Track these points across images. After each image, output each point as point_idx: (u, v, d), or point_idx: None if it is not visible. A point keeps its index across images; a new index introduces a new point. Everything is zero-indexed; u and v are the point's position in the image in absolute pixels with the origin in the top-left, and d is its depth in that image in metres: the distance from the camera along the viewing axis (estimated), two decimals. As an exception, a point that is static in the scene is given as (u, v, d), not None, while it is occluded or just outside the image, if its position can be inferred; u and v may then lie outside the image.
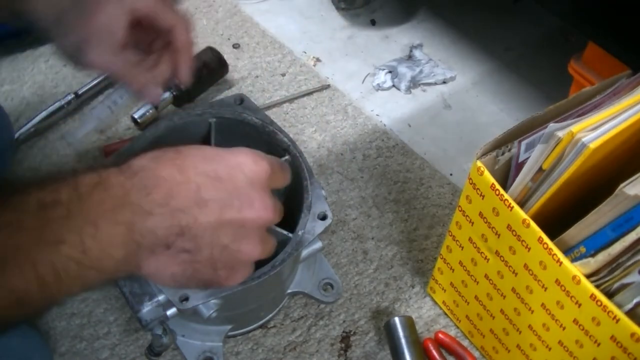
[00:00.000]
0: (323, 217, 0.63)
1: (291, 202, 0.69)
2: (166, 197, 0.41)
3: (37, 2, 0.54)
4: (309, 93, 0.99)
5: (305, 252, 0.67)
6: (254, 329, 0.73)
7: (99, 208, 0.39)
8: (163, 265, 0.43)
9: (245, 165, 0.46)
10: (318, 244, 0.67)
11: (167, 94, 0.91)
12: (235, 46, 1.05)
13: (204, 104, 0.71)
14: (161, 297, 0.59)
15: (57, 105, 0.89)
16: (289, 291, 0.73)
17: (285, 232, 0.63)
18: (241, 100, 0.71)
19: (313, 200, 0.64)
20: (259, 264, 0.61)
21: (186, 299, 0.58)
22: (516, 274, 0.59)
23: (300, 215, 0.64)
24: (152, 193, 0.41)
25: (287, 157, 0.68)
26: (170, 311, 0.60)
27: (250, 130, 0.70)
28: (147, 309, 0.59)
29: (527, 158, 0.56)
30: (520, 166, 0.57)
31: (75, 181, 0.40)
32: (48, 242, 0.38)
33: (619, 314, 0.50)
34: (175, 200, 0.42)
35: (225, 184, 0.44)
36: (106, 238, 0.39)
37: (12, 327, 0.40)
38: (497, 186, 0.56)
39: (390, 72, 1.04)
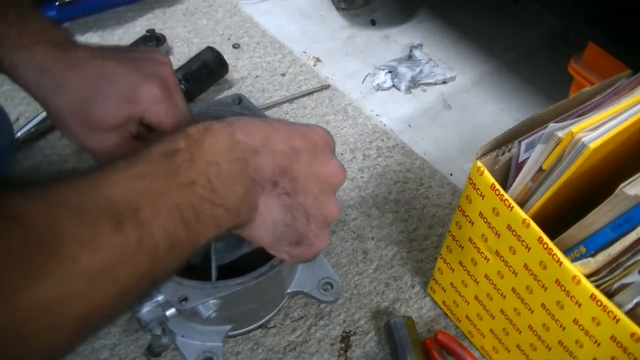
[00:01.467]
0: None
1: None
2: (265, 139, 0.45)
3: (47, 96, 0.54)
4: (309, 93, 0.99)
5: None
6: (254, 329, 0.73)
7: (215, 149, 0.42)
8: (270, 207, 0.46)
9: (318, 130, 0.50)
10: None
11: (167, 94, 0.91)
12: (235, 46, 1.05)
13: (202, 104, 0.71)
14: (160, 298, 0.59)
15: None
16: (288, 291, 0.73)
17: None
18: (239, 100, 0.71)
19: None
20: (258, 264, 0.61)
21: (185, 299, 0.58)
22: (516, 274, 0.59)
23: None
24: (253, 135, 0.44)
25: None
26: (170, 311, 0.60)
27: None
28: (146, 309, 0.59)
29: (527, 158, 0.56)
30: (520, 166, 0.57)
31: (186, 131, 0.42)
32: (183, 185, 0.40)
33: (619, 314, 0.50)
34: (274, 143, 0.45)
35: (309, 138, 0.48)
36: (227, 175, 0.43)
37: (165, 278, 0.42)
38: (497, 186, 0.56)
39: (390, 72, 1.04)
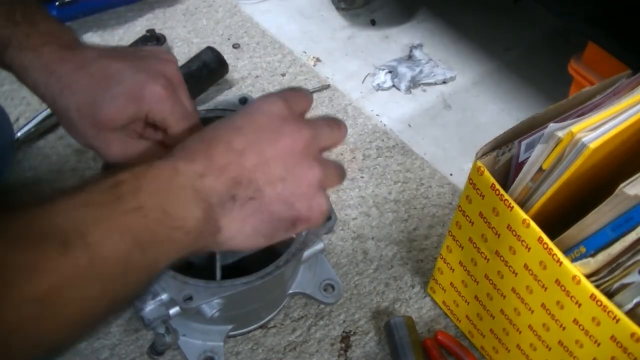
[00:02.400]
0: (327, 218, 0.64)
1: None
2: (207, 159, 0.45)
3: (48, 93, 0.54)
4: (309, 93, 0.99)
5: (307, 253, 0.67)
6: (254, 329, 0.73)
7: (160, 180, 0.43)
8: (240, 221, 0.45)
9: (260, 106, 0.49)
10: (319, 245, 0.67)
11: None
12: (235, 46, 1.05)
13: (209, 104, 0.71)
14: (164, 296, 0.59)
15: (56, 107, 0.88)
16: (290, 291, 0.73)
17: None
18: (245, 100, 0.71)
19: None
20: (263, 264, 0.61)
21: (190, 298, 0.58)
22: (516, 274, 0.59)
23: None
24: (194, 160, 0.44)
25: None
26: (173, 310, 0.60)
27: None
28: (150, 307, 0.59)
29: (527, 158, 0.56)
30: (520, 166, 0.57)
31: (130, 168, 0.43)
32: (129, 210, 0.40)
33: (619, 314, 0.50)
34: (216, 158, 0.45)
35: (249, 129, 0.47)
36: (180, 200, 0.43)
37: (123, 308, 0.43)
38: (497, 186, 0.56)
39: (390, 72, 1.04)
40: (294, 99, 0.51)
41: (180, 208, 0.42)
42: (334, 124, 0.52)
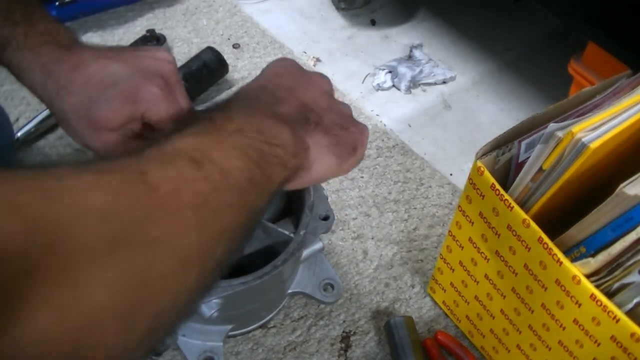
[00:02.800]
0: (325, 218, 0.64)
1: (293, 202, 0.69)
2: (272, 96, 0.50)
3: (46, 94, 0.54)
4: (309, 93, 0.99)
5: (306, 253, 0.67)
6: (254, 329, 0.73)
7: (249, 111, 0.47)
8: (319, 139, 0.50)
9: (277, 63, 0.56)
10: (319, 244, 0.67)
11: (167, 94, 0.91)
12: (235, 46, 1.05)
13: (206, 104, 0.71)
14: None
15: (56, 106, 0.89)
16: (289, 291, 0.73)
17: (287, 232, 0.63)
18: None
19: (315, 200, 0.64)
20: (261, 264, 0.61)
21: None
22: (516, 274, 0.59)
23: (302, 215, 0.64)
24: (261, 99, 0.50)
25: None
26: None
27: None
28: None
29: (527, 158, 0.56)
30: (520, 166, 0.57)
31: (215, 110, 0.47)
32: (233, 132, 0.43)
33: (619, 314, 0.50)
34: (276, 95, 0.50)
35: (284, 76, 0.54)
36: (269, 123, 0.46)
37: (259, 218, 0.45)
38: (497, 186, 0.56)
39: (390, 72, 1.04)
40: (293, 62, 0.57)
41: (271, 128, 0.46)
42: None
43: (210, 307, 0.61)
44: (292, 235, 0.63)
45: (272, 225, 0.64)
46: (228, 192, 0.40)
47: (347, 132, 0.53)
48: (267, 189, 0.44)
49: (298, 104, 0.51)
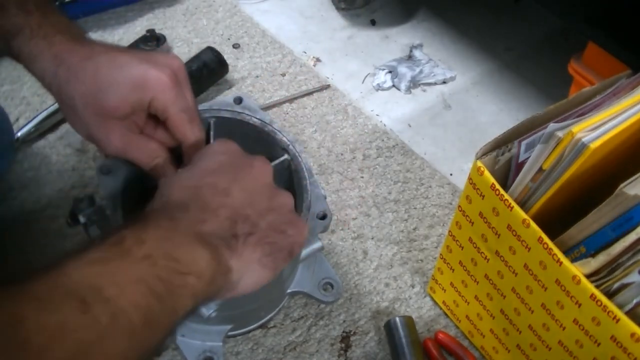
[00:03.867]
0: (322, 217, 0.63)
1: (295, 201, 0.69)
2: (200, 207, 0.46)
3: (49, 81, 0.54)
4: (309, 93, 0.99)
5: (305, 252, 0.67)
6: (254, 329, 0.73)
7: (163, 230, 0.43)
8: (247, 258, 0.47)
9: (217, 148, 0.52)
10: (318, 244, 0.67)
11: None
12: (235, 46, 1.05)
13: (203, 104, 0.71)
14: None
15: (57, 105, 0.88)
16: (288, 291, 0.73)
17: None
18: (240, 100, 0.71)
19: (312, 199, 0.64)
20: None
21: None
22: (516, 274, 0.59)
23: (299, 214, 0.64)
24: (188, 209, 0.45)
25: (286, 156, 0.68)
26: None
27: (249, 130, 0.70)
28: None
29: (527, 158, 0.56)
30: (520, 166, 0.57)
31: (127, 225, 0.43)
32: (138, 260, 0.40)
33: (619, 314, 0.50)
34: (207, 203, 0.46)
35: (224, 168, 0.50)
36: (186, 246, 0.43)
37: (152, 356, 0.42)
38: (497, 186, 0.56)
39: (390, 72, 1.04)
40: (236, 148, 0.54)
41: (187, 253, 0.42)
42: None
43: (208, 307, 0.61)
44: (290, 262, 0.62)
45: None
46: (115, 337, 0.37)
47: (284, 237, 0.50)
48: (167, 322, 0.41)
49: (228, 216, 0.47)
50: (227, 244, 0.45)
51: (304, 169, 0.67)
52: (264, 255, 0.48)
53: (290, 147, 0.68)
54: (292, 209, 0.52)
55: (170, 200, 0.47)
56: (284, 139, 0.69)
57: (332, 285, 0.74)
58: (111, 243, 0.40)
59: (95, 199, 0.61)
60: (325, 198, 0.66)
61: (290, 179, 0.69)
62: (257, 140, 0.70)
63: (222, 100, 0.72)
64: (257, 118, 0.70)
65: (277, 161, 0.67)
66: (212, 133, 0.69)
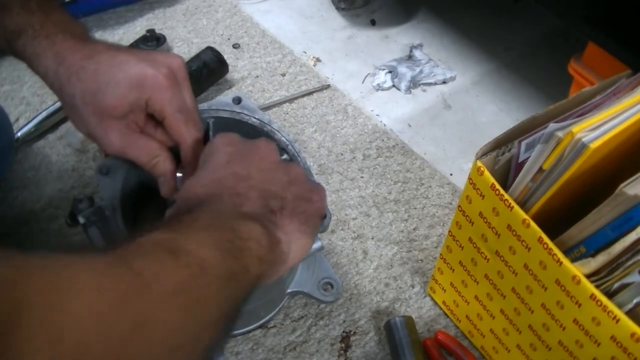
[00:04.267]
0: (322, 217, 0.63)
1: None
2: (232, 194, 0.48)
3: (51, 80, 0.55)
4: (309, 93, 0.99)
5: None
6: (254, 329, 0.73)
7: (211, 217, 0.45)
8: (288, 228, 0.49)
9: (221, 140, 0.54)
10: (318, 244, 0.66)
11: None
12: (235, 46, 1.05)
13: (202, 104, 0.71)
14: None
15: (57, 105, 0.88)
16: (288, 291, 0.73)
17: None
18: (239, 100, 0.71)
19: None
20: None
21: None
22: (516, 274, 0.59)
23: None
24: (222, 198, 0.48)
25: (285, 156, 0.68)
26: None
27: (249, 130, 0.70)
28: None
29: (527, 158, 0.56)
30: (520, 166, 0.57)
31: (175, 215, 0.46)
32: (205, 227, 0.42)
33: (619, 314, 0.50)
34: (235, 190, 0.48)
35: (236, 157, 0.51)
36: (239, 222, 0.45)
37: (239, 315, 0.43)
38: (497, 186, 0.56)
39: (390, 72, 1.04)
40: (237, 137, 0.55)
41: (242, 226, 0.44)
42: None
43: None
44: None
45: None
46: (207, 281, 0.39)
47: (311, 204, 0.52)
48: (245, 279, 0.43)
49: (259, 195, 0.49)
50: (267, 219, 0.47)
51: (303, 169, 0.66)
52: (300, 224, 0.50)
53: (290, 147, 0.68)
54: (305, 174, 0.53)
55: (200, 198, 0.48)
56: (283, 138, 0.69)
57: (332, 285, 0.74)
58: (171, 220, 0.43)
59: (95, 199, 0.61)
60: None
61: None
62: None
63: (221, 100, 0.72)
64: (256, 118, 0.70)
65: None
66: (211, 133, 0.69)
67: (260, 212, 0.48)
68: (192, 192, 0.49)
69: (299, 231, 0.50)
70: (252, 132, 0.70)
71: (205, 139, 0.69)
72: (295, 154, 0.67)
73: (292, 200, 0.50)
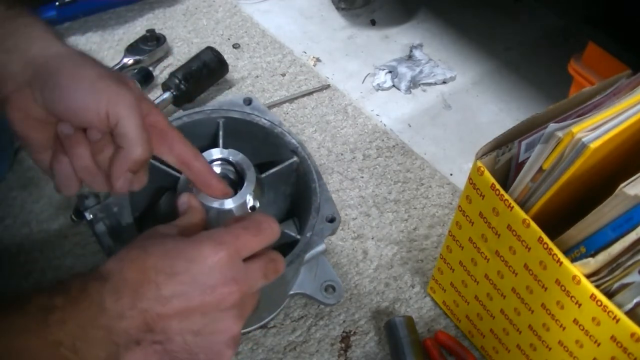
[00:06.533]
0: (331, 220, 0.63)
1: (299, 204, 0.69)
2: (133, 300, 0.45)
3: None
4: (309, 93, 0.99)
5: (309, 254, 0.67)
6: (255, 329, 0.73)
7: (85, 314, 0.44)
8: (141, 358, 0.46)
9: (203, 252, 0.47)
10: (322, 246, 0.66)
11: (167, 94, 0.91)
12: (235, 46, 1.05)
13: (212, 103, 0.71)
14: None
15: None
16: (290, 292, 0.73)
17: (293, 234, 0.63)
18: (250, 101, 0.71)
19: (321, 202, 0.64)
20: None
21: None
22: (516, 274, 0.59)
23: (308, 217, 0.63)
24: (121, 298, 0.45)
25: (295, 159, 0.68)
26: None
27: (258, 132, 0.70)
28: None
29: (527, 158, 0.56)
30: (520, 166, 0.57)
31: (68, 287, 0.44)
32: (50, 344, 0.42)
33: (619, 314, 0.50)
34: (140, 301, 0.45)
35: (183, 278, 0.46)
36: (91, 340, 0.44)
37: None
38: (497, 186, 0.56)
39: (390, 72, 1.04)
40: (244, 243, 0.49)
41: (89, 347, 0.43)
42: (270, 264, 0.50)
43: None
44: (298, 237, 0.62)
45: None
46: None
47: (191, 357, 0.47)
48: None
49: (149, 322, 0.45)
50: (126, 346, 0.45)
51: (313, 172, 0.66)
52: None
53: (299, 149, 0.68)
54: (228, 339, 0.48)
55: (118, 272, 0.46)
56: (293, 141, 0.68)
57: (333, 288, 0.74)
58: (41, 308, 0.42)
59: (100, 195, 0.61)
60: (333, 200, 0.65)
61: (297, 181, 0.69)
62: (265, 142, 0.70)
63: (231, 100, 0.72)
64: (266, 119, 0.70)
65: (284, 164, 0.67)
66: (220, 133, 0.69)
67: (130, 336, 0.45)
68: (126, 264, 0.46)
69: None
70: (262, 133, 0.70)
71: (215, 139, 0.69)
72: (305, 157, 0.67)
73: (177, 345, 0.46)
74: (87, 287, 0.44)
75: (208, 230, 0.49)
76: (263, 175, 0.66)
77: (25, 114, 0.51)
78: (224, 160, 0.64)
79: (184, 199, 0.56)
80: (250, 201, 0.61)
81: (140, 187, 0.55)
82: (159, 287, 0.45)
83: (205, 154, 0.63)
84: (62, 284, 0.44)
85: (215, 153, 0.64)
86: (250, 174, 0.62)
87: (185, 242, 0.48)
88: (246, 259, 0.48)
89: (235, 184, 0.63)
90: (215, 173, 0.58)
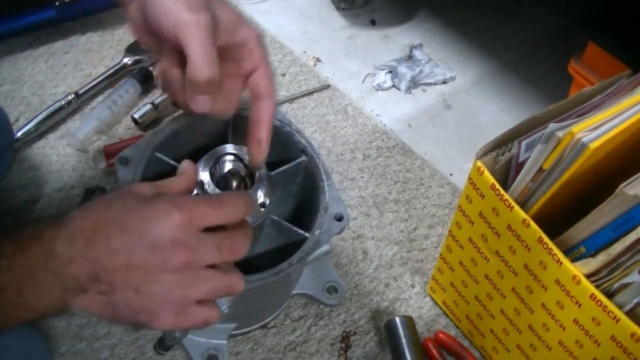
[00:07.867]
0: (339, 218, 0.63)
1: (307, 202, 0.69)
2: (83, 247, 0.46)
3: None
4: (309, 93, 0.99)
5: (312, 256, 0.67)
6: (255, 329, 0.73)
7: (35, 260, 0.45)
8: (87, 305, 0.47)
9: (157, 213, 0.47)
10: (326, 247, 0.66)
11: (167, 94, 0.91)
12: (235, 46, 1.05)
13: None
14: None
15: (57, 105, 0.88)
16: (293, 292, 0.73)
17: (301, 232, 0.63)
18: None
19: (330, 200, 0.64)
20: (275, 263, 0.61)
21: None
22: (516, 274, 0.59)
23: (316, 215, 0.63)
24: (73, 245, 0.46)
25: (303, 158, 0.67)
26: None
27: None
28: None
29: (527, 158, 0.56)
30: (520, 166, 0.57)
31: (20, 234, 0.46)
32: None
33: (619, 314, 0.50)
34: (90, 250, 0.46)
35: (132, 233, 0.47)
36: (40, 284, 0.46)
37: None
38: (497, 186, 0.56)
39: (390, 72, 1.04)
40: (201, 211, 0.48)
41: (36, 291, 0.46)
42: (226, 240, 0.49)
43: (221, 303, 0.61)
44: (306, 235, 0.62)
45: (288, 224, 0.64)
46: None
47: (132, 314, 0.48)
48: None
49: (95, 272, 0.46)
50: (74, 291, 0.46)
51: (322, 171, 0.66)
52: (104, 312, 0.48)
53: (309, 149, 0.68)
54: (170, 302, 0.48)
55: (76, 217, 0.47)
56: (302, 140, 0.68)
57: (336, 289, 0.74)
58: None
59: (107, 189, 0.61)
60: (341, 199, 0.65)
61: (305, 180, 0.69)
62: (274, 141, 0.69)
63: (242, 98, 0.71)
64: (276, 119, 0.70)
65: (293, 163, 0.67)
66: (230, 131, 0.69)
67: (77, 281, 0.46)
68: (84, 213, 0.48)
69: (96, 312, 0.48)
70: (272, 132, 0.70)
71: (224, 137, 0.68)
72: (314, 156, 0.67)
73: (118, 300, 0.47)
74: (41, 234, 0.46)
75: (171, 194, 0.51)
76: (272, 173, 0.66)
77: (136, 22, 0.55)
78: (236, 156, 0.64)
79: (183, 164, 0.57)
80: (260, 197, 0.61)
81: (221, 111, 0.58)
82: (109, 239, 0.46)
83: (218, 148, 0.63)
84: (15, 231, 0.46)
85: (229, 148, 0.64)
86: (262, 171, 0.62)
87: (146, 201, 0.49)
88: (205, 231, 0.48)
89: (245, 180, 0.63)
90: (270, 133, 0.59)
